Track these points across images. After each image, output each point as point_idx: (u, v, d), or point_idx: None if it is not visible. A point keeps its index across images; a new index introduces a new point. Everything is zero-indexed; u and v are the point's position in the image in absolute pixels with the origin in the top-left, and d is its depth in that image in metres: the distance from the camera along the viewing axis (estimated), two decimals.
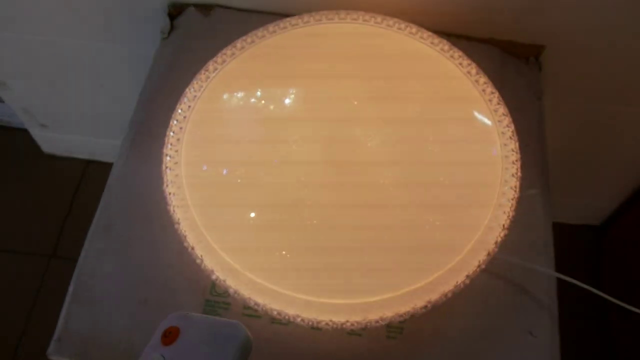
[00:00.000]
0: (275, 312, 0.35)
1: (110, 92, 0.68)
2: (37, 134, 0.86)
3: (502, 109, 0.42)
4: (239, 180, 0.40)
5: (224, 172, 0.40)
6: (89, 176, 0.91)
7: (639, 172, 0.71)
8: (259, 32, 0.46)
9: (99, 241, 0.43)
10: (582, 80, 0.56)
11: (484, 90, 0.43)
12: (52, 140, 0.87)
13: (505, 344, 0.39)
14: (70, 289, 0.41)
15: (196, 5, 0.54)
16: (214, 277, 0.36)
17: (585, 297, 0.43)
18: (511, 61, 0.53)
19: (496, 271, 0.38)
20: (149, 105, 0.49)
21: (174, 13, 0.54)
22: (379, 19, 0.46)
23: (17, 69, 0.69)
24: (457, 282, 0.35)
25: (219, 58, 0.45)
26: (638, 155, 0.68)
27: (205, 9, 0.54)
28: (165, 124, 0.42)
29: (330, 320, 0.34)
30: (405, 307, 0.34)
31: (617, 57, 0.53)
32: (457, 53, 0.44)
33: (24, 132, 0.87)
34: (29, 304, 0.82)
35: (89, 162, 0.92)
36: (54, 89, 0.71)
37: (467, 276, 0.35)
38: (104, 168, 0.91)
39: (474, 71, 0.44)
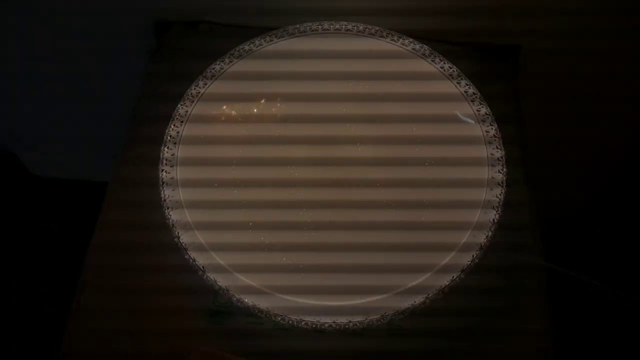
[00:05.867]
0: (279, 318, 0.35)
1: (98, 112, 0.68)
2: (23, 156, 0.86)
3: (484, 109, 0.44)
4: (235, 191, 0.41)
5: (222, 187, 0.41)
6: (78, 196, 0.91)
7: (616, 163, 0.73)
8: (246, 45, 0.47)
9: (98, 260, 0.44)
10: (558, 78, 0.58)
11: (466, 92, 0.45)
12: (39, 162, 0.87)
13: (501, 335, 0.41)
14: (73, 307, 0.42)
15: (182, 23, 0.55)
16: (216, 287, 0.37)
17: (576, 285, 0.44)
18: (490, 62, 0.55)
19: (489, 265, 0.39)
20: (141, 123, 0.50)
21: (160, 31, 0.55)
22: (361, 28, 0.48)
23: (2, 92, 0.69)
24: (452, 277, 0.36)
25: (207, 73, 0.46)
26: (613, 147, 0.71)
27: (192, 25, 0.55)
28: (158, 140, 0.42)
29: (334, 322, 0.35)
30: (405, 304, 0.36)
31: (591, 55, 0.55)
32: (438, 57, 0.46)
33: (9, 155, 0.87)
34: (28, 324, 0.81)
35: (77, 182, 0.92)
36: (40, 110, 0.71)
37: (462, 271, 0.37)
38: (94, 187, 0.91)
39: (455, 74, 0.46)
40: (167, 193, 0.40)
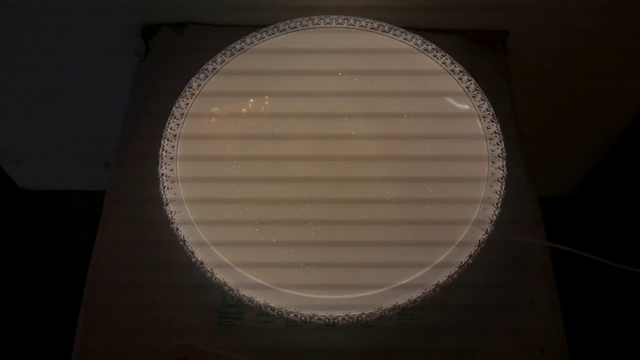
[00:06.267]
0: (291, 315, 0.35)
1: (86, 120, 0.67)
2: (10, 170, 0.84)
3: (480, 95, 0.44)
4: (238, 191, 0.41)
5: (224, 184, 0.41)
6: (69, 207, 0.90)
7: (605, 140, 0.75)
8: (237, 44, 0.47)
9: (102, 270, 0.43)
10: (546, 60, 0.59)
11: (460, 79, 0.45)
12: (27, 174, 0.86)
13: (510, 316, 0.41)
14: (80, 320, 0.41)
15: (169, 25, 0.54)
16: (226, 288, 0.37)
17: (578, 263, 0.45)
18: (479, 49, 0.55)
19: (494, 249, 0.40)
20: (134, 128, 0.49)
21: (147, 34, 0.54)
22: (352, 21, 0.48)
23: None
24: (461, 263, 0.37)
25: (201, 74, 0.45)
26: (602, 124, 0.72)
27: (179, 27, 0.54)
28: (153, 144, 0.42)
29: (347, 315, 0.35)
30: (416, 293, 0.36)
31: (577, 35, 0.56)
32: (431, 46, 0.46)
33: None
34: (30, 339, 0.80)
35: (66, 193, 0.91)
36: (27, 122, 0.70)
37: (470, 256, 0.37)
38: (84, 197, 0.90)
39: (448, 61, 0.46)
40: (168, 196, 0.39)
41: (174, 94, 0.44)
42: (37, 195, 0.91)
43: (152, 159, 0.42)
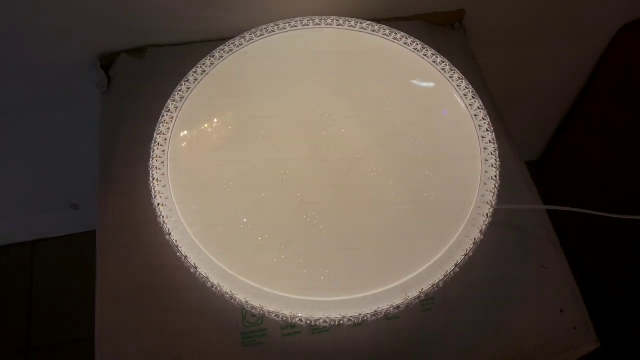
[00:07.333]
0: (321, 321, 0.35)
1: (53, 162, 0.64)
2: None
3: (456, 74, 0.45)
4: (236, 199, 0.40)
5: (222, 207, 0.40)
6: (39, 257, 0.85)
7: (564, 104, 0.78)
8: (207, 60, 0.45)
9: (111, 312, 0.41)
10: (502, 33, 0.61)
11: (434, 62, 0.46)
12: None
13: (524, 283, 0.42)
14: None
15: (127, 51, 0.52)
16: (248, 307, 0.36)
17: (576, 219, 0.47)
18: (440, 30, 0.57)
19: (496, 222, 0.40)
20: (112, 161, 0.47)
21: (106, 64, 0.52)
22: (317, 20, 0.48)
23: None
24: (474, 239, 0.37)
25: (176, 96, 0.44)
26: (559, 89, 0.75)
27: (138, 52, 0.52)
28: (134, 173, 0.41)
29: (375, 312, 0.35)
30: (438, 276, 0.36)
31: (528, 6, 0.58)
32: (400, 34, 0.47)
33: None
34: None
35: (35, 243, 0.86)
36: None
37: (481, 231, 0.38)
38: (53, 244, 0.86)
39: (419, 47, 0.46)
40: (170, 226, 0.38)
41: (146, 120, 0.43)
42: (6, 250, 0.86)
43: (137, 188, 0.40)
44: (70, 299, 0.80)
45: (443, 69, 0.45)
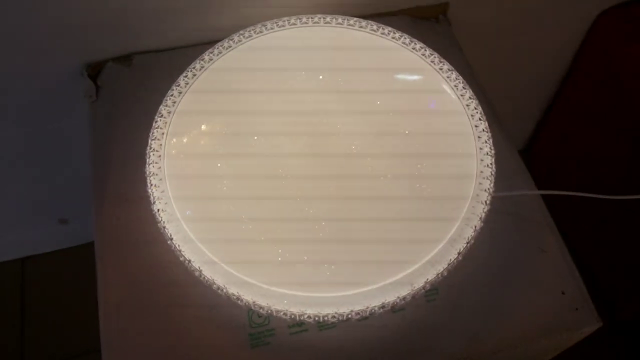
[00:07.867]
0: (329, 316, 0.35)
1: (44, 177, 0.63)
2: None
3: (446, 66, 0.45)
4: (236, 199, 0.40)
5: (222, 206, 0.40)
6: (30, 274, 0.84)
7: (547, 92, 0.79)
8: (197, 64, 0.45)
9: (114, 324, 0.41)
10: (486, 23, 0.62)
11: (423, 55, 0.46)
12: None
13: (525, 268, 0.43)
14: None
15: (114, 59, 0.52)
16: (255, 307, 0.35)
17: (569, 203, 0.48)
18: (424, 24, 0.57)
19: (493, 210, 0.41)
20: (106, 169, 0.47)
21: (93, 73, 0.51)
22: (304, 19, 0.48)
23: None
24: (475, 227, 0.38)
25: (168, 100, 0.44)
26: (542, 77, 0.76)
27: (125, 59, 0.52)
28: (130, 180, 0.40)
29: (382, 304, 0.35)
30: (442, 265, 0.36)
31: None
32: (387, 29, 0.47)
33: None
34: None
35: (24, 260, 0.85)
36: None
37: (480, 219, 0.38)
38: (43, 259, 0.84)
39: (407, 40, 0.47)
40: (170, 229, 0.38)
41: (137, 126, 0.43)
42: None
43: (133, 194, 0.40)
44: (63, 314, 0.79)
45: (432, 61, 0.46)
